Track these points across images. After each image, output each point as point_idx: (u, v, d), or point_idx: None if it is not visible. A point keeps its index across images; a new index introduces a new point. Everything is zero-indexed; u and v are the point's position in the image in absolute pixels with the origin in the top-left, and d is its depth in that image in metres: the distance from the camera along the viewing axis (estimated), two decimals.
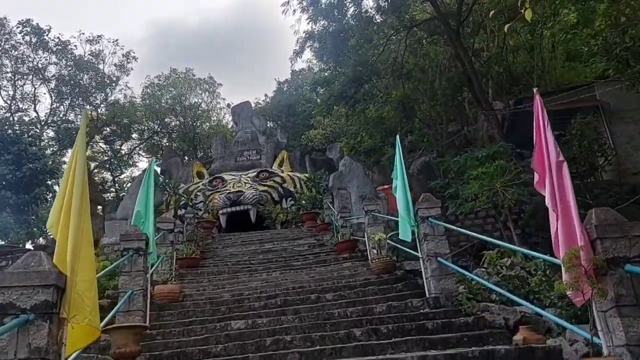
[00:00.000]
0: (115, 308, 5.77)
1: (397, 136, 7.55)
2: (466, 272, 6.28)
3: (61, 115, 31.21)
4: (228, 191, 19.43)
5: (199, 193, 20.09)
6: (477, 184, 11.54)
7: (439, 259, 6.36)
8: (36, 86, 29.49)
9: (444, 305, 6.09)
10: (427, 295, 6.43)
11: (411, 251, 8.12)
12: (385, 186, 20.81)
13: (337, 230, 13.92)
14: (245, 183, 20.35)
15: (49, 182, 26.07)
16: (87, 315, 3.09)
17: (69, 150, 33.19)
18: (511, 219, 11.55)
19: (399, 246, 8.55)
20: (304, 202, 18.63)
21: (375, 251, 8.57)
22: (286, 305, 6.98)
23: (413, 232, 6.95)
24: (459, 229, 6.92)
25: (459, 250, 14.26)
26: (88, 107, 31.57)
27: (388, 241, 8.51)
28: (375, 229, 9.63)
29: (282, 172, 21.71)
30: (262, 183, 20.33)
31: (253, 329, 5.92)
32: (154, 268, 7.69)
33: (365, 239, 9.92)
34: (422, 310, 5.97)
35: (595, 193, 12.31)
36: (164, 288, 7.45)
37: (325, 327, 5.58)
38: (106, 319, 5.54)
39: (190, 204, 19.17)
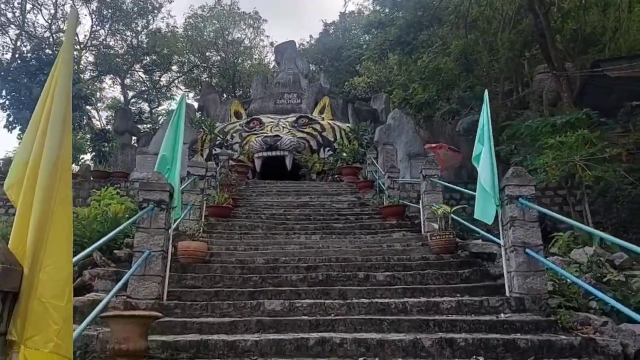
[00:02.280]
0: (130, 271, 4.76)
1: (486, 91, 6.06)
2: (567, 274, 4.96)
3: (101, 39, 30.21)
4: (265, 134, 18.34)
5: (235, 134, 19.07)
6: (553, 155, 9.98)
7: (527, 250, 5.06)
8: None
9: (530, 309, 4.85)
10: (508, 294, 5.17)
11: (478, 229, 6.86)
12: (433, 145, 19.32)
13: (381, 190, 12.70)
14: (283, 128, 19.21)
15: (88, 107, 25.56)
16: (52, 336, 1.85)
17: (108, 77, 32.51)
18: (587, 200, 10.00)
19: (464, 222, 7.26)
20: (344, 154, 17.34)
21: (435, 225, 7.30)
22: (329, 283, 5.88)
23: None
24: (552, 213, 5.55)
25: None
26: (129, 33, 30.46)
27: (452, 215, 7.20)
28: (432, 198, 8.33)
29: (323, 119, 20.39)
30: (301, 129, 19.14)
31: (291, 314, 4.84)
32: (176, 223, 6.66)
33: (420, 207, 8.65)
34: (504, 316, 4.74)
35: None
36: (189, 245, 6.44)
37: (382, 325, 4.42)
38: (118, 285, 4.55)
39: (226, 144, 18.19)
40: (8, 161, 21.31)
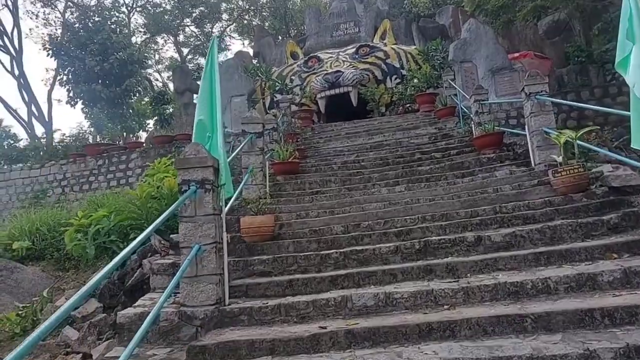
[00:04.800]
0: (178, 273, 3.74)
1: None
2: None
3: (147, 0, 29.30)
4: (325, 72, 16.83)
5: (293, 76, 17.70)
6: None
7: None
8: None
9: None
10: None
11: (621, 156, 5.18)
12: (516, 54, 16.85)
13: (465, 117, 10.97)
14: (343, 61, 17.55)
15: (143, 72, 25.05)
16: None
17: (160, 38, 31.82)
18: None
19: (597, 149, 5.59)
20: (415, 80, 15.44)
21: (555, 157, 5.68)
22: (430, 253, 4.59)
23: None
24: None
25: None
26: None
27: (578, 142, 5.53)
28: (542, 120, 6.62)
29: (385, 45, 18.41)
30: (363, 60, 17.38)
31: (388, 310, 3.64)
32: (230, 204, 5.56)
33: (527, 133, 6.97)
34: None
35: None
36: (253, 221, 5.36)
37: (524, 324, 3.08)
38: (165, 292, 3.54)
39: (285, 89, 16.91)
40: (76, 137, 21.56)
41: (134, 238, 3.81)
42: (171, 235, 5.88)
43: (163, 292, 4.32)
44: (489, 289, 3.61)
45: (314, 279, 4.32)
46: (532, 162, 6.84)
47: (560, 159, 5.51)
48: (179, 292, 4.04)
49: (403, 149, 9.84)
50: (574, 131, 5.63)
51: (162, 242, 6.21)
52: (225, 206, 4.39)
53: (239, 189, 6.71)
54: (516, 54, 16.95)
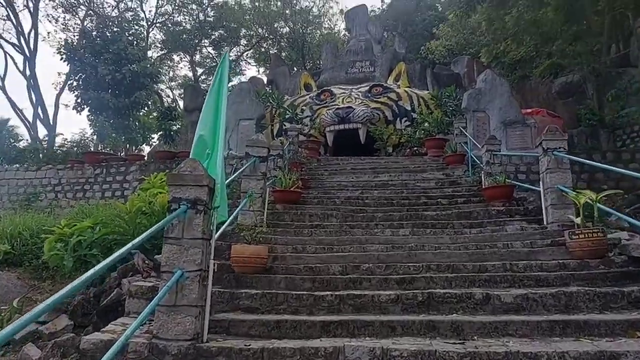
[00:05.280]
0: (154, 300, 3.36)
1: None
2: None
3: (168, 17, 29.64)
4: (337, 106, 16.72)
5: (305, 107, 17.59)
6: None
7: None
8: None
9: None
10: None
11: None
12: (529, 110, 16.78)
13: (474, 166, 10.71)
14: (355, 98, 17.47)
15: (155, 86, 25.01)
16: None
17: (176, 55, 32.05)
18: None
19: (620, 215, 5.25)
20: (427, 124, 15.27)
21: (574, 220, 5.34)
22: (434, 307, 4.20)
23: None
24: None
25: None
26: (195, 7, 29.63)
27: (599, 205, 5.20)
28: (558, 178, 6.32)
29: (399, 87, 18.37)
30: (375, 99, 17.31)
31: None
32: (221, 230, 5.20)
33: (541, 190, 6.66)
34: None
35: None
36: (245, 251, 4.98)
37: None
38: (139, 319, 3.16)
39: (295, 118, 16.76)
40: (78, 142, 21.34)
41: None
42: (156, 256, 5.50)
43: (137, 317, 3.94)
44: (499, 358, 3.20)
45: (304, 322, 3.91)
46: (545, 220, 6.50)
47: (578, 221, 5.17)
48: (148, 327, 3.65)
49: (409, 191, 9.55)
50: (594, 193, 5.31)
51: (146, 261, 5.82)
52: (217, 231, 4.03)
53: (234, 213, 6.36)
54: (529, 110, 16.87)
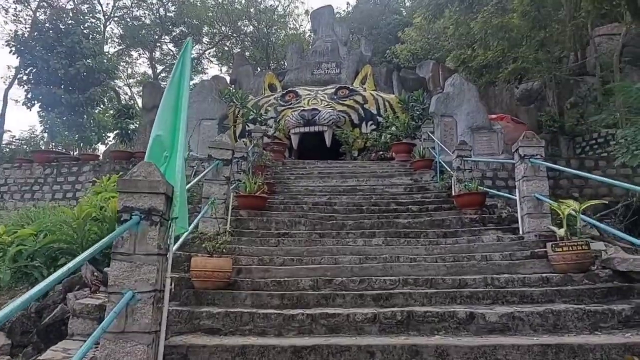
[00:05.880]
0: (100, 326, 2.87)
1: None
2: None
3: (126, 10, 28.52)
4: (302, 108, 16.32)
5: (269, 108, 17.10)
6: None
7: None
8: None
9: None
10: None
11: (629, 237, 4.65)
12: (493, 116, 16.86)
13: (442, 171, 10.55)
14: (321, 100, 17.11)
15: (112, 83, 23.93)
16: None
17: (134, 51, 30.89)
18: None
19: (604, 226, 5.06)
20: (394, 128, 15.07)
21: (557, 231, 5.12)
22: (413, 328, 3.87)
23: None
24: None
25: (606, 212, 10.60)
26: (155, 1, 28.60)
27: (582, 217, 5.01)
28: (535, 186, 6.13)
29: (365, 90, 18.16)
30: (341, 102, 17.00)
31: None
32: (179, 242, 4.72)
33: (517, 198, 6.45)
34: None
35: None
36: (206, 264, 4.51)
37: None
38: (82, 349, 2.65)
39: (260, 119, 16.24)
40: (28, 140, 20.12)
41: (64, 264, 3.09)
42: (106, 268, 4.94)
43: (82, 341, 3.46)
44: None
45: (272, 347, 3.48)
46: (521, 230, 6.30)
47: (561, 232, 4.95)
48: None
49: (377, 197, 9.25)
50: (577, 202, 5.11)
51: (95, 274, 5.27)
52: (175, 244, 3.56)
53: (195, 221, 5.86)
54: (493, 116, 16.96)
